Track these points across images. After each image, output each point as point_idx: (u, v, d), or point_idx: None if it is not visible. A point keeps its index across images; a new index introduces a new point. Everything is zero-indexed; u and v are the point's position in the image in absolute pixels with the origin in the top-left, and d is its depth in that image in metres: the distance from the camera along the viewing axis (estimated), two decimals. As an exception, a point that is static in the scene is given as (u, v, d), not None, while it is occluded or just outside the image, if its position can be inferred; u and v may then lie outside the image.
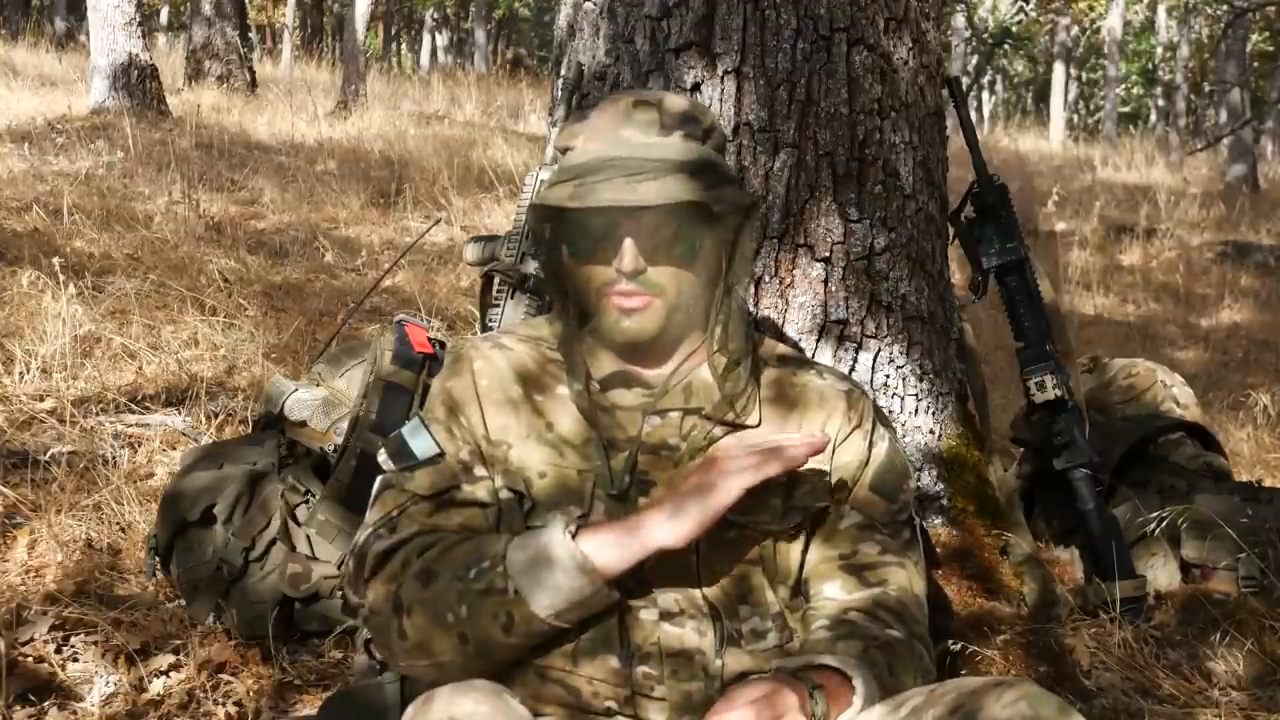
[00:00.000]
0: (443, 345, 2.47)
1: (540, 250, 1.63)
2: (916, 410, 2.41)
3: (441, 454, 1.60)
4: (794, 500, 1.60)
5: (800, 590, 1.63)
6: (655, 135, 1.54)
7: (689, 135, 1.56)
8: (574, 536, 1.45)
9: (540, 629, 1.46)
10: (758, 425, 1.60)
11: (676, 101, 1.59)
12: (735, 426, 1.59)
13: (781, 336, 2.27)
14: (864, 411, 1.66)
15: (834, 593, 1.60)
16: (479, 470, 1.60)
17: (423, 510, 1.57)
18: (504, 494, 1.59)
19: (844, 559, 1.61)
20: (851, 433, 1.63)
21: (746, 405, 1.60)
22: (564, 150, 1.60)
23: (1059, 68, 24.31)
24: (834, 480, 1.62)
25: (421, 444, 1.61)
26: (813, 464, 1.60)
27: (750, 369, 1.61)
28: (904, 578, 1.61)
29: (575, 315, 1.60)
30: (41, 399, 3.44)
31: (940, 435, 2.46)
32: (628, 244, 1.52)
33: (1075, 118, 31.72)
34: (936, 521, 2.43)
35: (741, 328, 1.61)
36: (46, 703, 2.11)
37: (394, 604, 1.50)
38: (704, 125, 1.59)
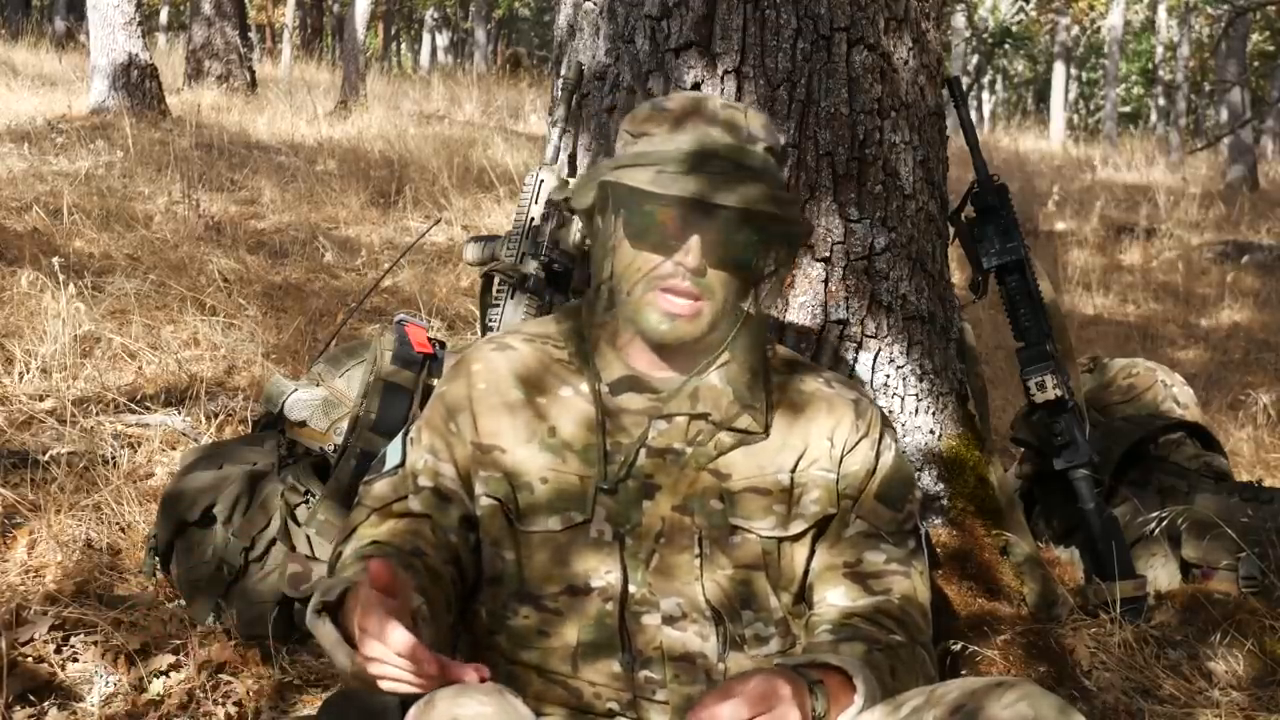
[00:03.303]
0: (443, 345, 2.47)
1: (587, 227, 1.62)
2: (916, 410, 2.41)
3: (401, 465, 1.62)
4: (799, 507, 1.60)
5: (804, 596, 1.63)
6: (742, 141, 1.54)
7: (770, 149, 1.56)
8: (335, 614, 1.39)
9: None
10: (766, 434, 1.60)
11: (759, 116, 1.59)
12: (744, 433, 1.59)
13: (781, 337, 2.27)
14: (872, 420, 1.65)
15: (837, 599, 1.60)
16: (445, 476, 1.60)
17: (371, 524, 1.60)
18: (485, 500, 1.59)
19: (848, 567, 1.61)
20: (859, 441, 1.63)
21: (758, 416, 1.60)
22: (639, 135, 1.57)
23: (1059, 67, 24.30)
24: (840, 488, 1.62)
25: (393, 454, 1.65)
26: (819, 471, 1.61)
27: (764, 380, 1.61)
28: (908, 586, 1.61)
29: (607, 299, 1.59)
30: (41, 399, 3.44)
31: (940, 435, 2.46)
32: (695, 241, 1.51)
33: (1075, 118, 31.72)
34: (937, 521, 2.43)
35: (762, 341, 1.61)
36: (46, 703, 2.11)
37: None
38: (780, 144, 1.60)
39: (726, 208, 1.49)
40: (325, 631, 1.36)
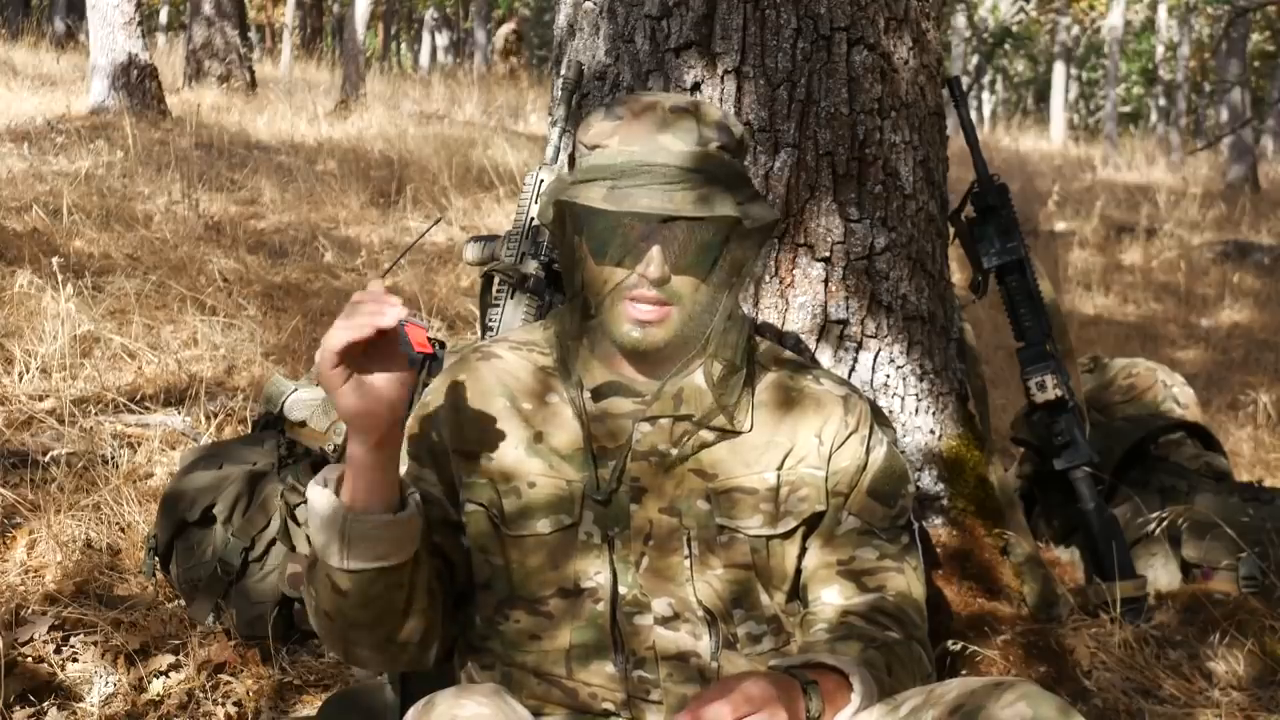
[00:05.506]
0: (443, 345, 2.47)
1: (555, 243, 1.63)
2: (916, 410, 2.41)
3: None
4: (787, 505, 1.60)
5: (797, 594, 1.63)
6: (693, 145, 1.52)
7: (724, 147, 1.55)
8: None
9: (350, 577, 1.43)
10: (750, 431, 1.60)
11: (712, 112, 1.58)
12: (726, 433, 1.59)
13: (781, 337, 2.27)
14: (861, 416, 1.65)
15: (832, 598, 1.59)
16: (428, 481, 1.60)
17: None
18: (470, 507, 1.59)
19: (842, 564, 1.60)
20: (848, 438, 1.63)
21: (738, 412, 1.60)
22: (592, 147, 1.57)
23: (1059, 67, 24.27)
24: (830, 485, 1.61)
25: None
26: (807, 469, 1.61)
27: (745, 376, 1.61)
28: (902, 583, 1.61)
29: (581, 310, 1.59)
30: (41, 399, 3.44)
31: (940, 435, 2.46)
32: (655, 251, 1.51)
33: (1075, 117, 31.69)
34: (937, 521, 2.43)
35: (741, 336, 1.61)
36: (46, 703, 2.11)
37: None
38: (736, 137, 1.58)
39: (679, 217, 1.49)
40: (322, 498, 1.42)
